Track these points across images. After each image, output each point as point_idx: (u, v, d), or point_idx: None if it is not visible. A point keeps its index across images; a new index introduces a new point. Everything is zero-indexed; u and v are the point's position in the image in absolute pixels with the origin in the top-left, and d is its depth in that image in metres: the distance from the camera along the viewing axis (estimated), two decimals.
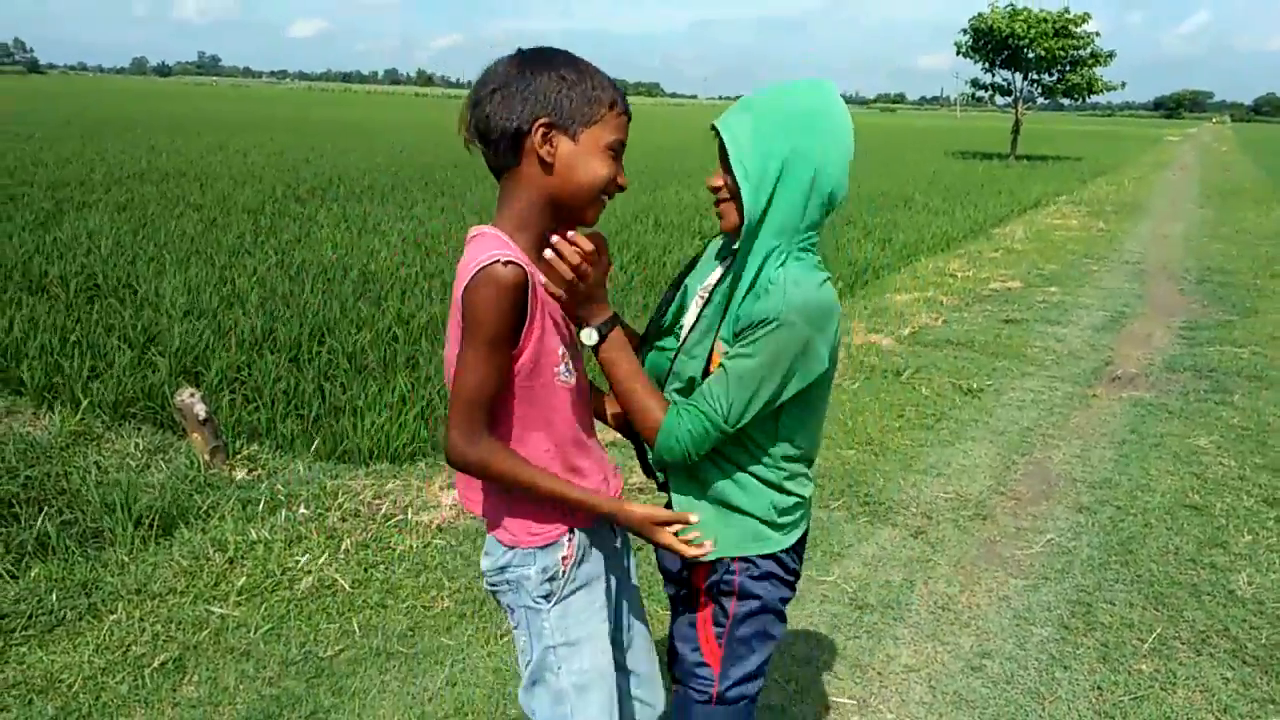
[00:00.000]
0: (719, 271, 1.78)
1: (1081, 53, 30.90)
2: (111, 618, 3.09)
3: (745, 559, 1.78)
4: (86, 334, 5.71)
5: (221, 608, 3.19)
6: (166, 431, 4.62)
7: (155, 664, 2.88)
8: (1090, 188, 21.90)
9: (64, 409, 4.76)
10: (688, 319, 1.77)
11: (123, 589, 3.25)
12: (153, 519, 3.66)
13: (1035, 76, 32.24)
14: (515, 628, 1.76)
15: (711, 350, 1.65)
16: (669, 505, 1.80)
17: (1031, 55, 30.74)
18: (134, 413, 4.81)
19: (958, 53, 32.77)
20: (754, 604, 1.82)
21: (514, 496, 1.65)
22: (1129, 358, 7.00)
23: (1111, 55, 31.31)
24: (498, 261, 1.45)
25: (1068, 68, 31.36)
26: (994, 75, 33.28)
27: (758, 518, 1.77)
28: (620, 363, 1.63)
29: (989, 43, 31.40)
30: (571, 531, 1.69)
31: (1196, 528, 4.11)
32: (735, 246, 1.64)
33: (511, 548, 1.68)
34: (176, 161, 16.31)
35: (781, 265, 1.59)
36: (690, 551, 1.62)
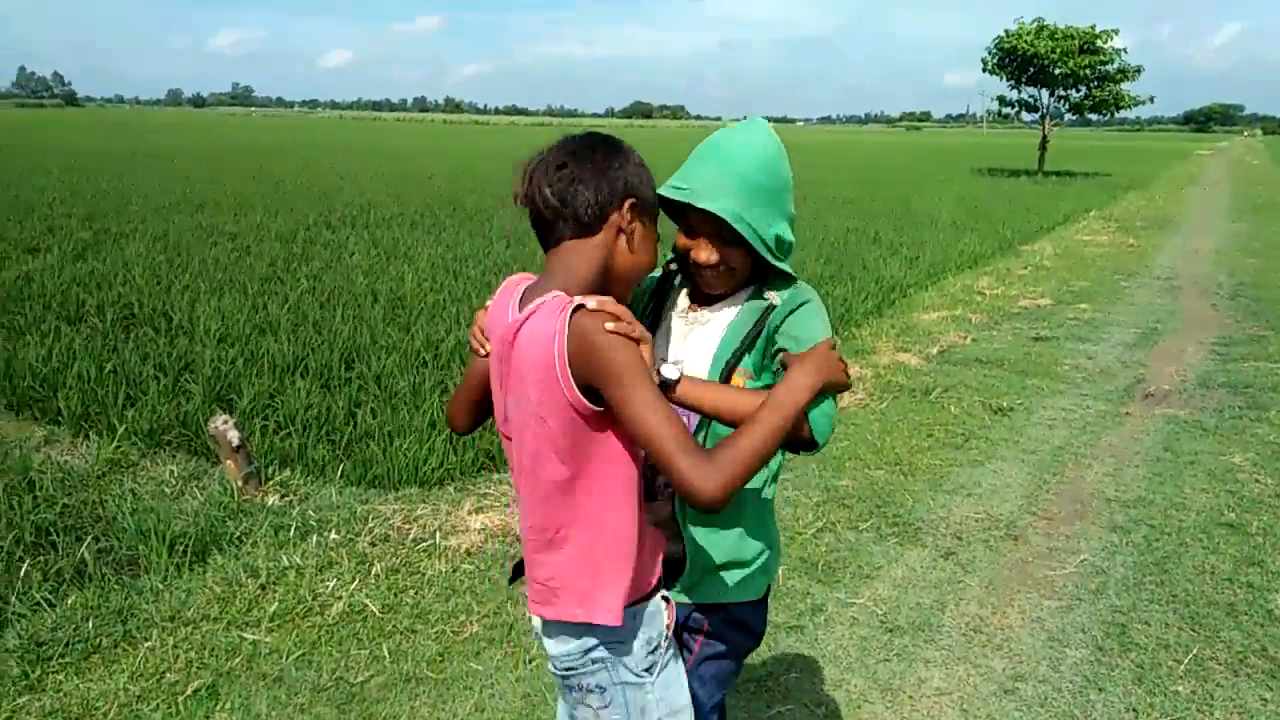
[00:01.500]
0: (730, 313, 1.76)
1: (1109, 68, 30.74)
2: (146, 645, 3.13)
3: (720, 604, 1.80)
4: (122, 363, 5.82)
5: (254, 634, 3.22)
6: (200, 458, 4.69)
7: (189, 691, 2.92)
8: (1120, 203, 21.71)
9: (100, 437, 4.84)
10: (684, 351, 1.76)
11: (157, 616, 3.29)
12: (187, 546, 3.71)
13: (1062, 93, 32.09)
14: (604, 708, 1.64)
15: (727, 378, 1.68)
16: (678, 546, 1.77)
17: (1058, 72, 30.62)
18: (169, 440, 4.89)
19: (984, 70, 32.73)
20: (721, 647, 1.82)
21: (604, 567, 1.54)
22: (1162, 374, 6.91)
23: (1139, 70, 31.13)
24: (582, 305, 1.43)
25: (1095, 84, 31.20)
26: (1020, 92, 33.19)
27: (754, 562, 1.79)
28: (705, 389, 1.58)
29: (1015, 60, 31.33)
30: (663, 594, 1.65)
31: (1233, 546, 4.04)
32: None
33: (590, 629, 1.58)
34: (211, 191, 16.59)
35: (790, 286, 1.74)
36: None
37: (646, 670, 1.61)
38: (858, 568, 3.84)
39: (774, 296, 1.69)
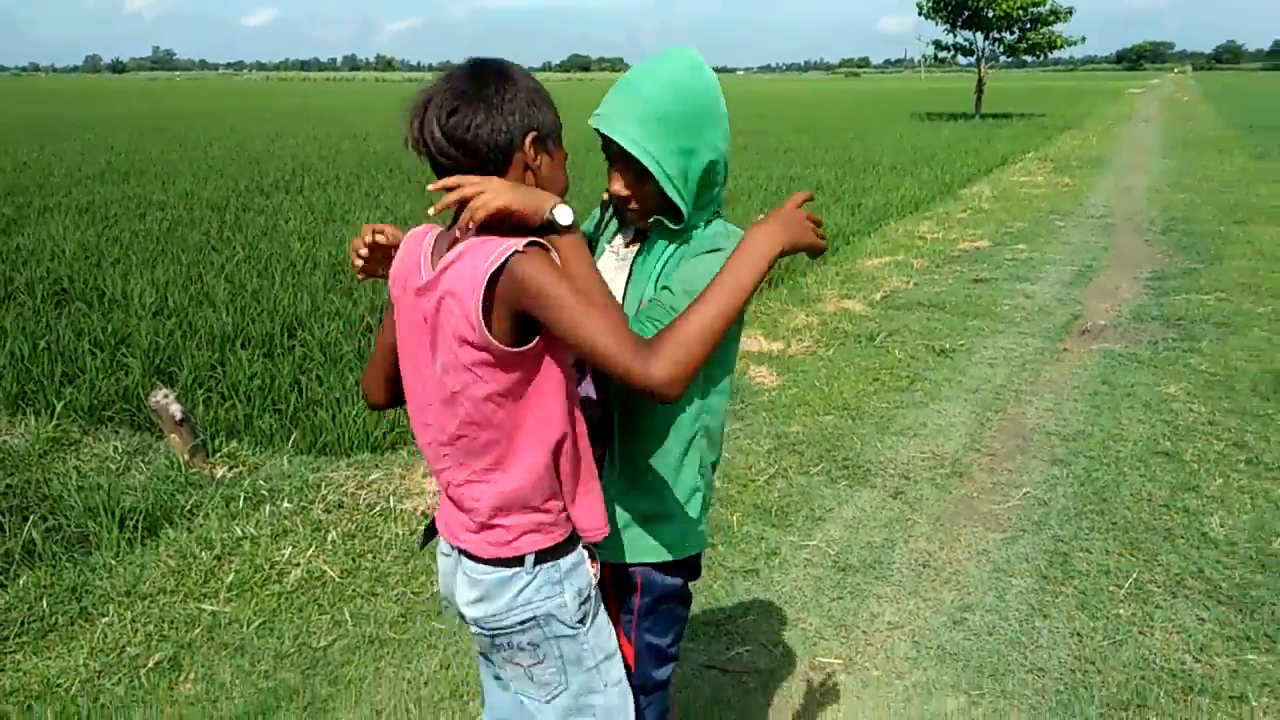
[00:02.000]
0: (624, 242, 1.74)
1: (1041, 9, 31.04)
2: (103, 620, 3.10)
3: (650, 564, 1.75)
4: (56, 339, 5.66)
5: (212, 605, 3.21)
6: (144, 433, 4.61)
7: (150, 664, 2.90)
8: (1055, 144, 22.06)
9: (39, 416, 4.73)
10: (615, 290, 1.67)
11: (113, 591, 3.25)
12: (137, 521, 3.66)
13: (997, 35, 32.36)
14: (536, 664, 1.60)
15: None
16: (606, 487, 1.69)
17: (992, 15, 30.85)
18: (110, 416, 4.79)
19: (920, 14, 32.84)
20: (659, 593, 1.77)
21: (525, 509, 1.52)
22: (1098, 310, 7.10)
23: (1070, 11, 31.50)
24: (516, 250, 1.38)
25: (1029, 25, 31.50)
26: (956, 36, 33.40)
27: (687, 518, 1.73)
28: (582, 250, 1.48)
29: (950, 3, 31.48)
30: (584, 545, 1.60)
31: (1169, 474, 4.20)
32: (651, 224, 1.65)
33: (530, 575, 1.54)
34: (137, 160, 16.08)
35: (707, 227, 1.65)
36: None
37: (579, 621, 1.59)
38: (810, 511, 3.92)
39: (665, 217, 1.62)
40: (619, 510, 1.71)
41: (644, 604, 1.77)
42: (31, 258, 7.82)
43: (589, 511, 1.57)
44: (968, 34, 33.05)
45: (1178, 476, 4.17)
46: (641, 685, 1.81)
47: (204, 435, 4.37)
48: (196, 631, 3.07)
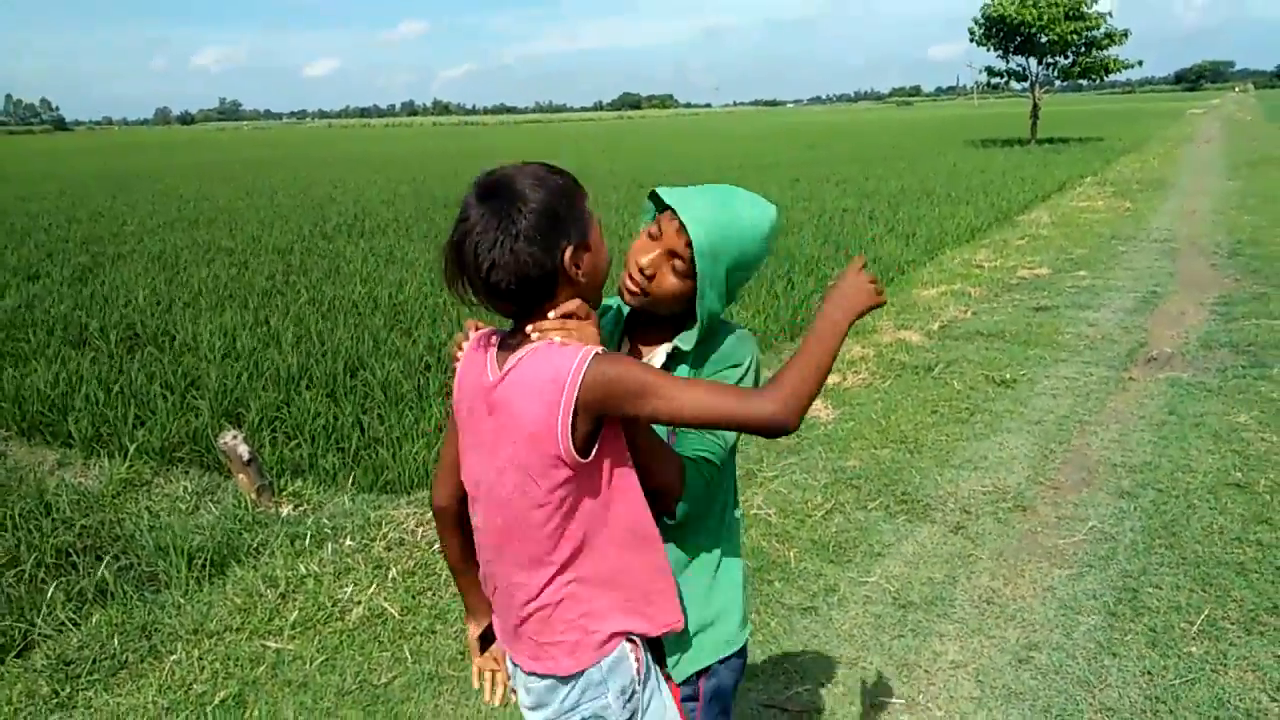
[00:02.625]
0: (660, 353, 1.74)
1: (1095, 33, 30.63)
2: (172, 658, 3.18)
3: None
4: (129, 383, 5.86)
5: (276, 642, 3.27)
6: (213, 473, 4.74)
7: (216, 701, 2.96)
8: (1114, 167, 21.68)
9: (112, 458, 4.89)
10: None
11: (181, 629, 3.34)
12: (205, 559, 3.76)
13: (1051, 60, 32.00)
14: None
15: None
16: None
17: (1045, 39, 30.52)
18: (180, 457, 4.93)
19: (971, 40, 32.64)
20: (716, 684, 1.78)
21: (573, 618, 1.52)
22: (1163, 338, 6.94)
23: (1126, 34, 31.01)
24: (596, 351, 1.41)
25: (1083, 49, 31.10)
26: (1009, 61, 33.09)
27: (733, 615, 1.77)
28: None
29: (1002, 30, 31.23)
30: (630, 638, 1.58)
31: (1240, 506, 4.07)
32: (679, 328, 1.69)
33: (577, 677, 1.54)
34: (205, 208, 16.63)
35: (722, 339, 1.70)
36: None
37: (629, 718, 1.56)
38: (868, 546, 3.88)
39: (682, 341, 1.66)
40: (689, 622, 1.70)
41: (708, 695, 1.77)
42: (106, 304, 8.12)
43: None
44: (1020, 59, 32.75)
45: (1250, 508, 4.04)
46: None
47: (270, 475, 4.48)
48: (261, 669, 3.12)
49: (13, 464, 4.98)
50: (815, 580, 3.61)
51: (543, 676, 1.56)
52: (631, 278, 1.64)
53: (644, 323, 1.74)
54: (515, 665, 1.62)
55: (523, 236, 1.39)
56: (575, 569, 1.51)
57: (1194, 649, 3.08)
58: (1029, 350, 6.73)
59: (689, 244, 1.57)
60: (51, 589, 3.55)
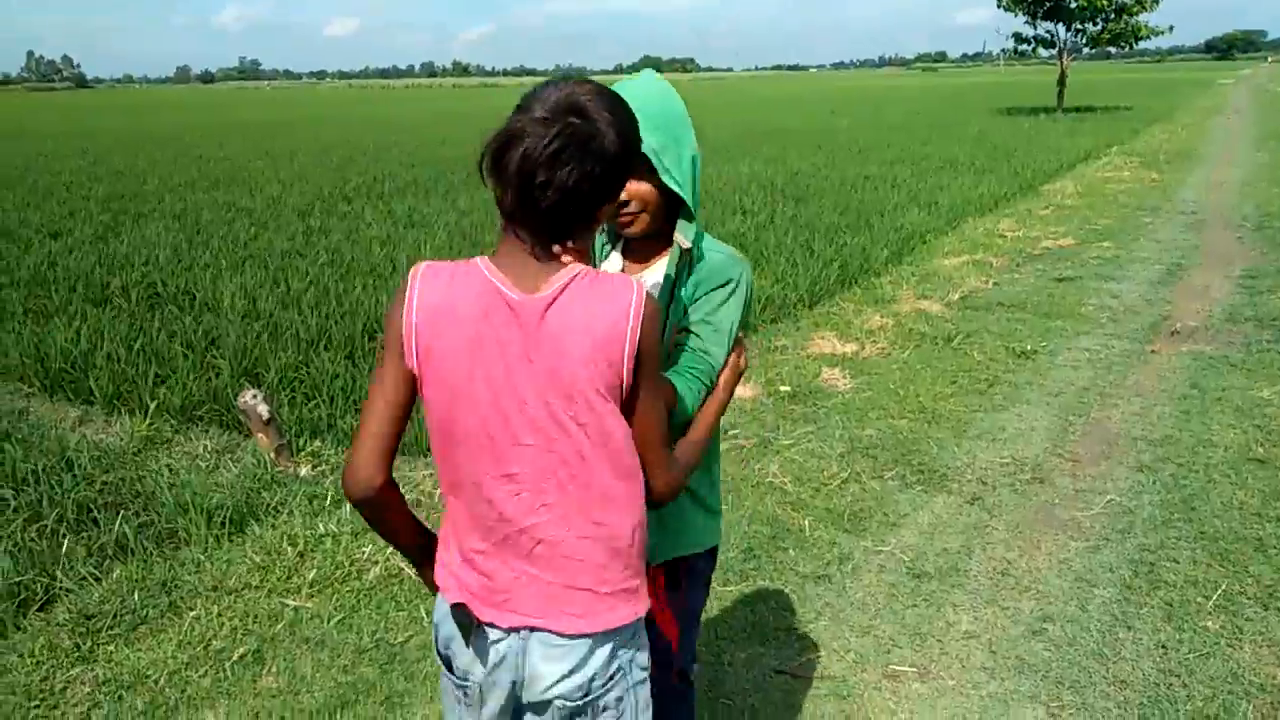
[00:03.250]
0: (656, 272, 1.80)
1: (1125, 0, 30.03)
2: (191, 614, 3.22)
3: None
4: (150, 342, 5.89)
5: (295, 600, 3.30)
6: (232, 432, 4.77)
7: (235, 657, 3.00)
8: (1142, 137, 21.36)
9: (133, 415, 4.93)
10: None
11: (200, 586, 3.38)
12: (225, 517, 3.80)
13: (1079, 26, 31.41)
14: (620, 718, 1.53)
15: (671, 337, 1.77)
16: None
17: (1074, 5, 29.96)
18: (200, 415, 4.97)
19: (998, 5, 32.09)
20: (699, 579, 1.99)
21: (622, 574, 1.48)
22: (1188, 311, 6.85)
23: (1156, 1, 30.38)
24: (648, 291, 1.41)
25: (1112, 15, 30.51)
26: (1036, 27, 32.52)
27: (716, 510, 1.96)
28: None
29: None
30: None
31: (1261, 481, 4.04)
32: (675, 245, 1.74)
33: (618, 632, 1.49)
34: (226, 168, 16.64)
35: (702, 239, 1.78)
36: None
37: (644, 668, 1.56)
38: (884, 516, 3.87)
39: (682, 239, 1.72)
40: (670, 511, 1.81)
41: (689, 585, 1.96)
42: (128, 263, 8.16)
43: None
44: (1049, 25, 32.17)
45: (1270, 484, 4.01)
46: (682, 670, 1.99)
47: (289, 435, 4.51)
48: (279, 626, 3.16)
49: (35, 420, 5.03)
50: (830, 549, 3.62)
51: (575, 638, 1.45)
52: (620, 218, 1.71)
53: (631, 249, 1.83)
54: (515, 633, 1.46)
55: (590, 176, 1.34)
56: (638, 510, 1.49)
57: (1210, 624, 3.06)
58: (1050, 321, 6.66)
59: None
60: (70, 543, 3.60)
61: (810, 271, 7.67)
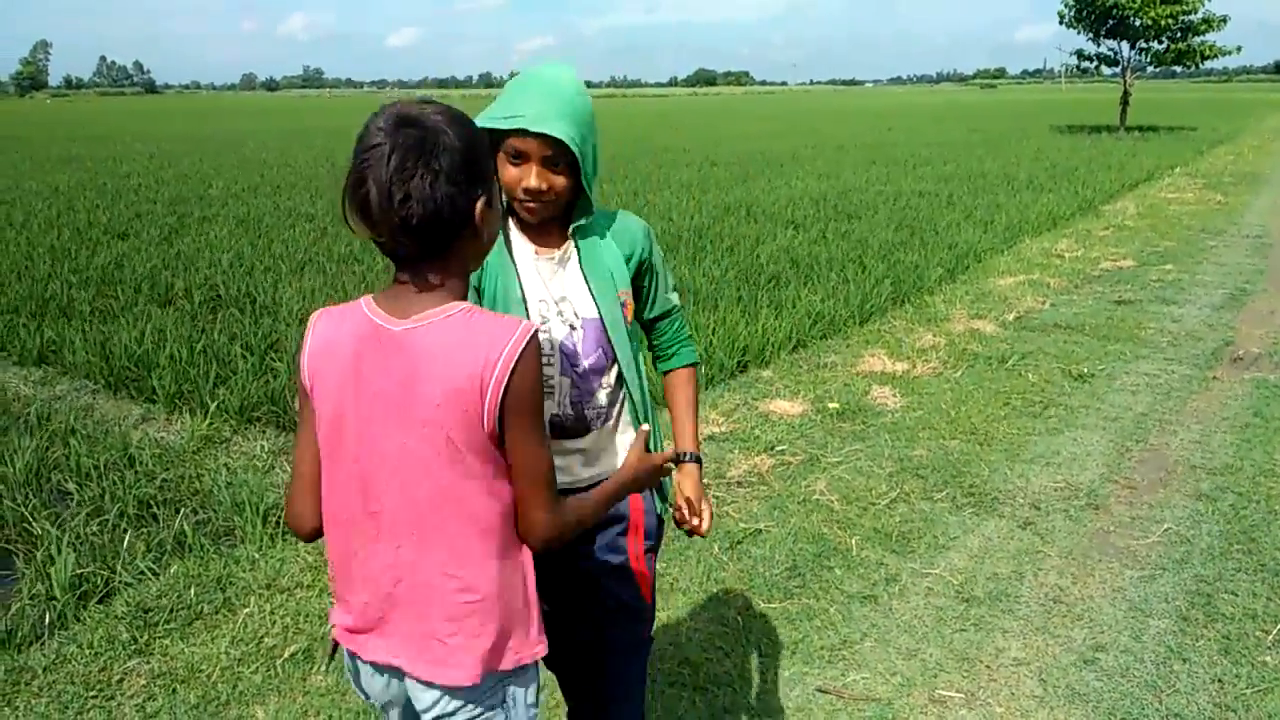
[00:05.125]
0: (534, 250, 1.86)
1: (1192, 18, 29.41)
2: (245, 611, 3.29)
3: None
4: (211, 343, 6.04)
5: None
6: (288, 434, 4.87)
7: (286, 655, 3.06)
8: (1206, 158, 20.89)
9: (194, 415, 5.06)
10: (558, 293, 1.84)
11: (254, 584, 3.45)
12: (279, 517, 3.87)
13: (1144, 45, 30.84)
14: None
15: (620, 304, 1.88)
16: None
17: (1139, 23, 29.42)
18: (258, 416, 5.08)
19: (1060, 23, 31.62)
20: (652, 540, 2.04)
21: (513, 617, 1.45)
22: (1251, 337, 6.69)
23: (1225, 20, 29.72)
24: (535, 331, 1.35)
25: (1178, 35, 29.90)
26: (1100, 45, 32.00)
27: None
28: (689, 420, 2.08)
29: (1093, 11, 30.18)
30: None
31: None
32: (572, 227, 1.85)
33: (499, 680, 1.47)
34: (288, 174, 17.00)
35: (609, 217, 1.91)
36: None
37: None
38: (933, 538, 3.83)
39: (583, 217, 1.83)
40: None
41: (649, 545, 2.02)
42: (191, 265, 8.38)
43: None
44: (1112, 44, 31.62)
45: None
46: (652, 617, 2.10)
47: None
48: (329, 626, 3.21)
49: (99, 416, 5.18)
50: (876, 569, 3.59)
51: (444, 689, 1.44)
52: (526, 204, 1.76)
53: (532, 229, 1.85)
54: (394, 676, 1.49)
55: (444, 174, 1.30)
56: (507, 557, 1.43)
57: (1269, 658, 2.98)
58: (1108, 345, 6.54)
59: (557, 144, 1.68)
60: (130, 538, 3.70)
61: (861, 288, 7.63)
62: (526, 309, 1.82)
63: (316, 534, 1.50)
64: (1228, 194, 14.69)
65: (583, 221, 1.83)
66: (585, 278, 1.83)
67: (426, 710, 1.47)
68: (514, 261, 1.83)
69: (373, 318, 1.37)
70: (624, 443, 1.92)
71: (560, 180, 1.73)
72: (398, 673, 1.48)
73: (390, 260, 1.39)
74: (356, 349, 1.37)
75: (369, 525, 1.40)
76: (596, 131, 1.78)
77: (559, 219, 1.83)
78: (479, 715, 1.47)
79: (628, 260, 1.88)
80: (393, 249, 1.35)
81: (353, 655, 1.52)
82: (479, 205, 1.36)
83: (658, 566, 2.13)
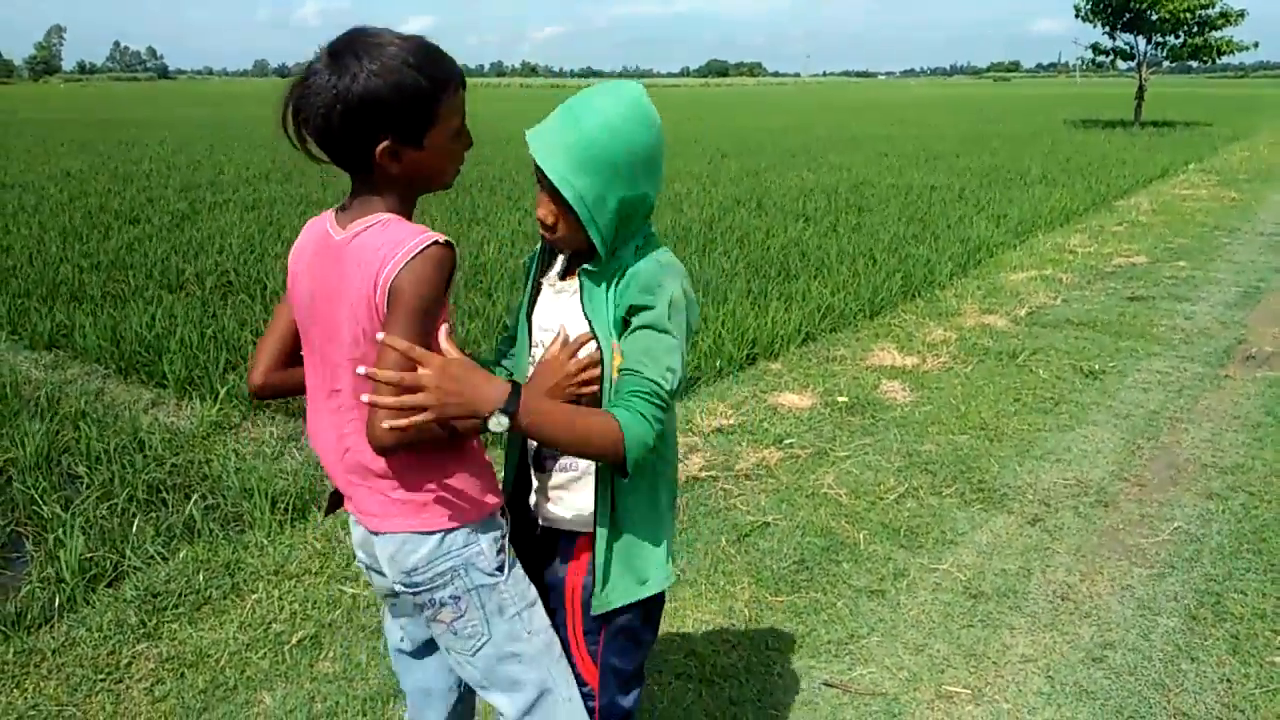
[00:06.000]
0: (558, 274, 1.76)
1: (1209, 12, 29.16)
2: (253, 597, 3.30)
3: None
4: (221, 329, 6.06)
5: (353, 587, 3.37)
6: (297, 420, 4.87)
7: (294, 640, 3.07)
8: (1221, 155, 20.73)
9: (204, 400, 5.07)
10: (555, 319, 1.73)
11: (263, 570, 3.46)
12: (288, 504, 3.88)
13: (1160, 39, 30.60)
14: (459, 618, 1.66)
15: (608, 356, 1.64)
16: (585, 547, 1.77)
17: (1155, 17, 29.18)
18: (268, 403, 5.08)
19: (1076, 16, 31.39)
20: (624, 620, 1.76)
21: (449, 474, 1.62)
22: (1264, 335, 6.64)
23: (1242, 15, 29.46)
24: (437, 242, 1.49)
25: (1195, 29, 29.66)
26: (1115, 39, 31.75)
27: (657, 551, 1.73)
28: (548, 416, 1.48)
29: (1109, 5, 29.94)
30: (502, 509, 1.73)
31: None
32: (587, 266, 1.68)
33: (449, 531, 1.62)
34: (299, 160, 16.90)
35: (638, 254, 1.66)
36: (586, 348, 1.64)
37: (498, 569, 1.67)
38: (941, 533, 3.82)
39: (586, 269, 1.66)
40: (599, 550, 1.70)
41: (611, 629, 1.76)
42: (202, 251, 8.39)
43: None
44: (1128, 37, 31.38)
45: None
46: (606, 711, 1.80)
47: None
48: (337, 612, 3.23)
49: (110, 401, 5.20)
50: (884, 564, 3.58)
51: (378, 534, 1.66)
52: (541, 232, 1.69)
53: (574, 255, 1.73)
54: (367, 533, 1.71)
55: (339, 108, 1.46)
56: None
57: (1278, 659, 2.97)
58: (1120, 341, 6.51)
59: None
60: (140, 522, 3.72)
61: (872, 281, 7.60)
62: (530, 331, 1.78)
63: (261, 392, 1.78)
64: (1242, 191, 14.58)
65: (591, 268, 1.66)
66: (586, 316, 1.65)
67: (385, 570, 1.68)
68: (539, 282, 1.80)
69: (327, 227, 1.61)
70: (583, 488, 1.72)
71: (566, 216, 1.59)
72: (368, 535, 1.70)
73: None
74: (314, 253, 1.61)
75: (331, 402, 1.65)
76: (635, 177, 1.56)
77: (590, 254, 1.66)
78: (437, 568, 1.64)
79: (618, 306, 1.63)
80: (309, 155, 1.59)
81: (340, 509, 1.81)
82: (382, 145, 1.50)
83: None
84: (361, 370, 1.42)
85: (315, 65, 1.48)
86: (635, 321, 1.58)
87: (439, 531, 1.62)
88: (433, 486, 1.61)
